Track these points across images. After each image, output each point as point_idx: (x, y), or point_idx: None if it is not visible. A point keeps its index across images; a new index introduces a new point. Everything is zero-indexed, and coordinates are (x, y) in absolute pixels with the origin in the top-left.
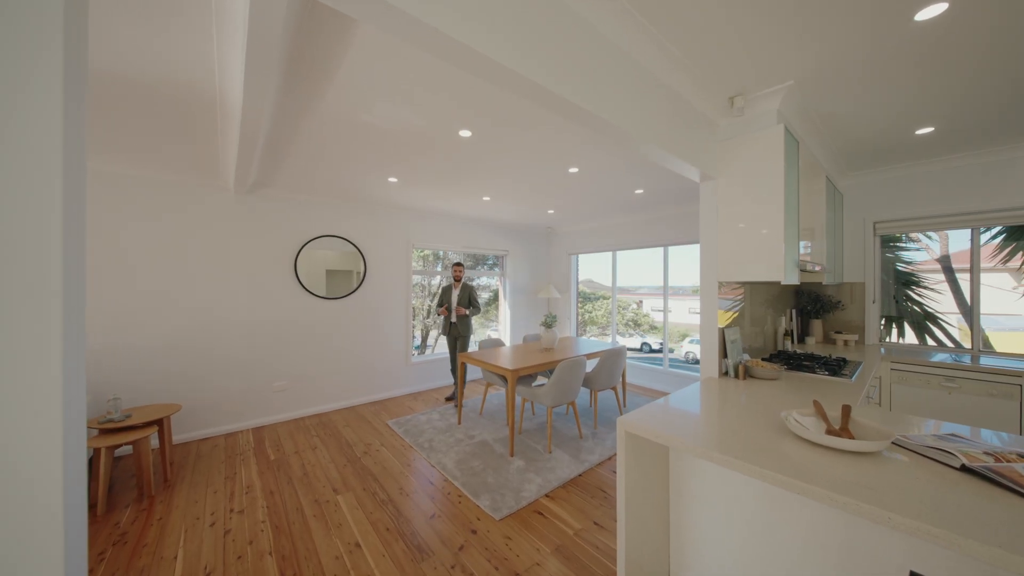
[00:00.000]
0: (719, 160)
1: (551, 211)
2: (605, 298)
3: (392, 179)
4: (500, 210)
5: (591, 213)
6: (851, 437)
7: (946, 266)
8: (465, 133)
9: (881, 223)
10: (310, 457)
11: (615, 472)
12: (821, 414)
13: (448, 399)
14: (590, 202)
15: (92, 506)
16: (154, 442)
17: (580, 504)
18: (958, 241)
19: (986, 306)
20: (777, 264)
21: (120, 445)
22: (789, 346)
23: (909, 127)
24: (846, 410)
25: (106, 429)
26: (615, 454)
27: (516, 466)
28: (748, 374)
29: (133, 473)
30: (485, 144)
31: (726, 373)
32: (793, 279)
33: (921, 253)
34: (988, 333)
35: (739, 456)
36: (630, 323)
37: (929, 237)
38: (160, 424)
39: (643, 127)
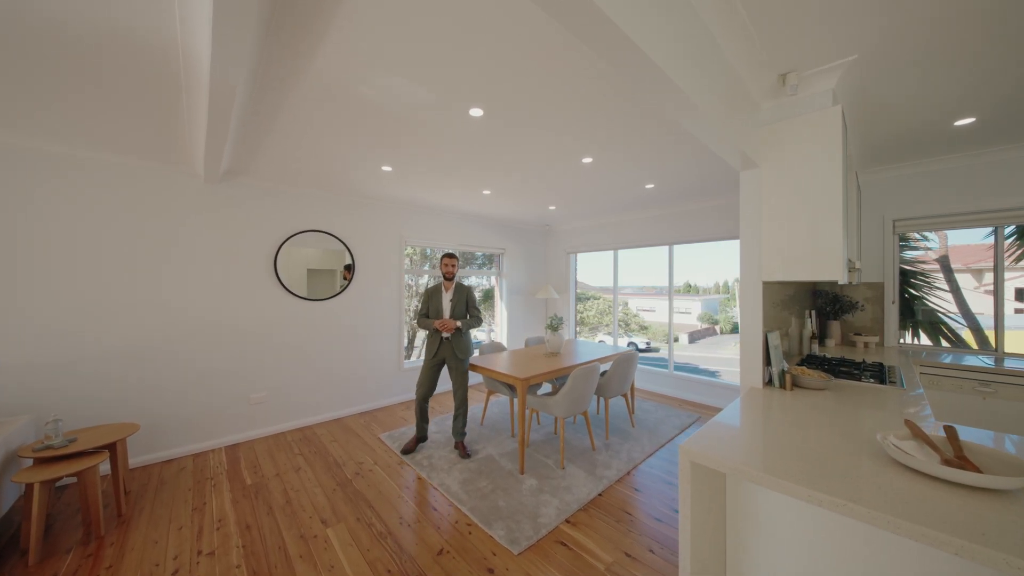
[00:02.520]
0: (763, 146)
1: (552, 207)
2: (595, 298)
3: (386, 168)
4: (499, 206)
5: (594, 210)
6: (975, 468)
7: (945, 266)
8: (476, 112)
9: (901, 221)
10: (293, 480)
11: (638, 490)
12: (923, 438)
13: (405, 452)
14: (596, 198)
15: (23, 552)
16: (107, 467)
17: (606, 531)
18: (955, 240)
19: (976, 306)
20: (835, 263)
21: (60, 477)
22: (816, 350)
23: (951, 117)
24: (952, 433)
25: (43, 458)
26: (634, 468)
27: (528, 485)
28: (795, 383)
29: (79, 508)
30: (497, 126)
31: (769, 382)
32: (845, 278)
33: (921, 252)
34: (987, 332)
35: (858, 500)
36: (620, 323)
37: (925, 237)
38: (113, 448)
39: (702, 92)
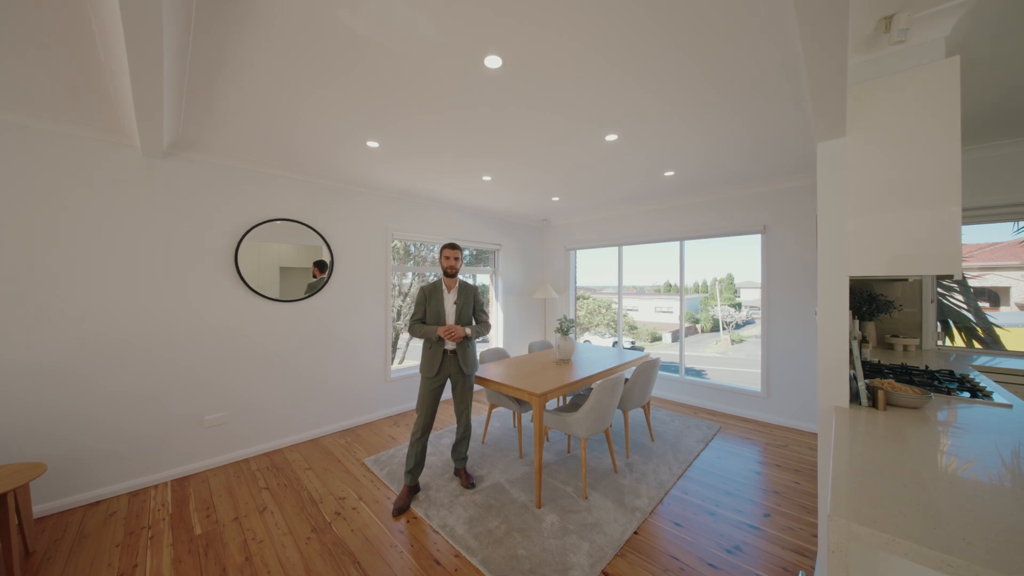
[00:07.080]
0: (849, 110)
1: (556, 198)
2: (584, 297)
3: (372, 143)
4: (497, 196)
5: (598, 202)
6: None
7: None
8: (493, 62)
9: None
10: (256, 527)
11: (678, 525)
12: None
13: (398, 512)
14: (604, 187)
15: None
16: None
17: None
18: (968, 236)
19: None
20: (951, 252)
21: None
22: (868, 355)
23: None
24: None
25: None
26: (665, 494)
27: (549, 523)
28: (888, 401)
29: None
30: (517, 83)
31: (854, 399)
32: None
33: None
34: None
35: None
36: (611, 323)
37: None
38: (4, 500)
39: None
